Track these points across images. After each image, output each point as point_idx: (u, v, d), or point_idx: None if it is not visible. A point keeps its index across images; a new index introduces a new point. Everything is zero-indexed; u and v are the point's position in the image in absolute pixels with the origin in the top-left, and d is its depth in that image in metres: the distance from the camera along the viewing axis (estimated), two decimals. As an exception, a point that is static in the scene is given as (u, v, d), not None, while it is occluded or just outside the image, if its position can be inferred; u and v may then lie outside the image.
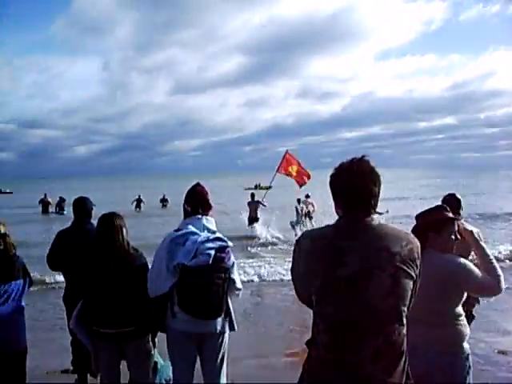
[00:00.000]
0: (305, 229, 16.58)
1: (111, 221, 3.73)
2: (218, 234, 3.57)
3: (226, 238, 3.56)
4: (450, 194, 4.72)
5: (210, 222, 3.64)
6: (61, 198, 29.05)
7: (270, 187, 33.42)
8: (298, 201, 19.57)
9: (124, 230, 3.73)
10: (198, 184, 3.80)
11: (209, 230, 3.58)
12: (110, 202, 33.55)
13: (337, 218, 2.31)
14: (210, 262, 3.35)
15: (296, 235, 15.98)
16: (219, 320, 3.47)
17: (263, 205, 18.75)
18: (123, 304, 3.59)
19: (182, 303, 3.36)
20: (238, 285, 3.67)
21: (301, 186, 17.97)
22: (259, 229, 18.13)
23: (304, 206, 19.53)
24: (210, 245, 3.40)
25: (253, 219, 18.46)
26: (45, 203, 30.32)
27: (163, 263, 3.42)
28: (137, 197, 31.11)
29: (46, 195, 31.12)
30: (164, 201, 33.08)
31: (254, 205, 18.59)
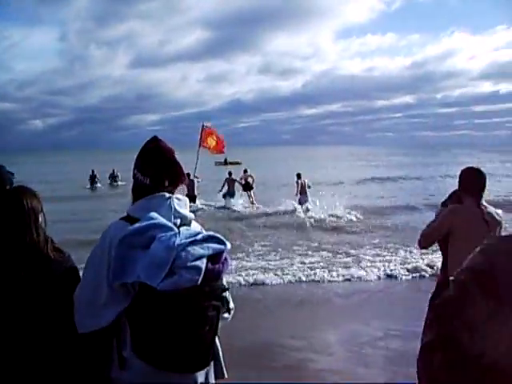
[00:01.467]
0: (240, 201, 18.84)
1: (19, 202, 2.04)
2: (207, 232, 2.03)
3: (221, 236, 2.03)
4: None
5: (182, 203, 2.07)
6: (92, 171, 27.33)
7: (239, 163, 39.74)
8: (229, 173, 19.48)
9: (40, 217, 2.08)
10: (157, 139, 2.15)
11: (183, 219, 2.04)
12: (62, 180, 31.71)
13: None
14: (199, 281, 1.84)
15: (227, 205, 18.27)
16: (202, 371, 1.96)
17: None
18: (34, 342, 1.93)
19: (140, 348, 1.85)
20: (231, 304, 2.12)
21: (222, 153, 19.02)
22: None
23: (243, 180, 19.71)
24: (199, 251, 1.88)
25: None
26: None
27: (102, 278, 1.90)
28: (90, 173, 26.79)
29: None
30: (114, 177, 27.22)
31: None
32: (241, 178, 19.73)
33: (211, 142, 18.09)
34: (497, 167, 41.08)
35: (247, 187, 19.63)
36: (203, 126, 18.08)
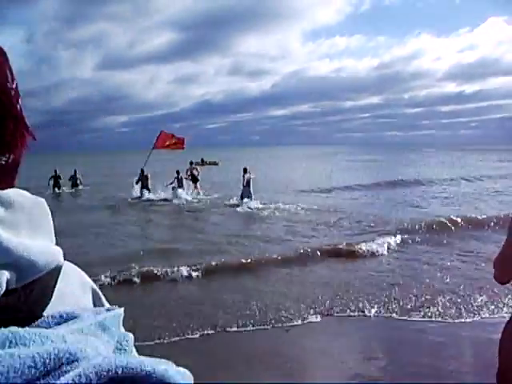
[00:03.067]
0: (190, 191, 20.27)
1: None
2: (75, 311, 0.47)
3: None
4: None
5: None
6: None
7: (216, 163, 44.11)
8: (178, 172, 20.43)
9: None
10: None
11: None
12: (23, 183, 29.38)
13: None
14: None
15: (178, 197, 19.45)
16: None
17: None
18: None
19: None
20: None
21: (183, 148, 20.66)
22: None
23: (189, 172, 20.93)
24: None
25: None
26: None
27: None
28: (53, 173, 24.29)
29: None
30: (75, 179, 25.01)
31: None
32: (187, 171, 21.06)
33: (170, 142, 20.59)
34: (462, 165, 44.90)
35: (194, 179, 20.95)
36: (161, 132, 20.67)
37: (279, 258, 9.66)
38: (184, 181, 20.50)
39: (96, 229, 13.64)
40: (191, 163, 21.65)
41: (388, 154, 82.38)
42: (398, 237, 11.46)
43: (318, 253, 10.10)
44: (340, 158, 72.46)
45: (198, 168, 21.61)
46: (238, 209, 17.04)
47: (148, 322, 6.21)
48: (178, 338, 5.90)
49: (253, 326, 6.34)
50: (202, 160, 50.36)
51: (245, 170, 18.44)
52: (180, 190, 19.91)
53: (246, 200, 17.71)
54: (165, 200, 19.56)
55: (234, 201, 18.37)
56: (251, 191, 18.07)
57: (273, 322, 6.48)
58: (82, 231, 13.43)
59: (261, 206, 17.25)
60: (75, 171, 25.39)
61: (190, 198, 19.74)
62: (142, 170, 20.43)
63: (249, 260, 9.41)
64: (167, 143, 20.63)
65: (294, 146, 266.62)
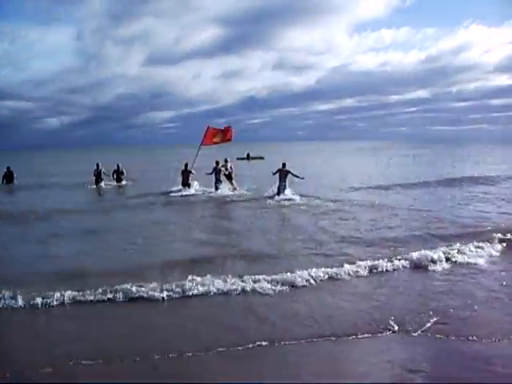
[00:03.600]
0: (227, 187, 19.98)
1: None
2: None
3: None
4: None
5: None
6: (8, 168, 25.75)
7: (262, 158, 45.76)
8: (217, 163, 20.14)
9: None
10: None
11: None
12: (67, 177, 31.92)
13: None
14: None
15: (216, 191, 19.54)
16: None
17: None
18: None
19: None
20: None
21: (230, 140, 20.88)
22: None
23: (223, 169, 20.34)
24: None
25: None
26: None
27: None
28: (95, 167, 23.75)
29: None
30: (118, 174, 24.50)
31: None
32: (222, 166, 20.40)
33: (216, 139, 20.75)
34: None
35: (229, 176, 20.74)
36: (208, 127, 20.69)
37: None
38: (221, 175, 20.35)
39: (135, 228, 12.76)
40: (226, 161, 21.02)
41: (436, 149, 78.51)
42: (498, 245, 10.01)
43: (403, 262, 8.78)
44: (388, 152, 69.35)
45: (232, 166, 21.21)
46: (274, 201, 17.12)
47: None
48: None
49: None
50: (248, 155, 51.31)
51: (283, 165, 18.37)
52: (220, 186, 19.90)
53: (281, 195, 17.76)
54: (203, 194, 19.61)
55: (270, 194, 18.20)
56: (287, 185, 18.14)
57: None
58: (117, 230, 12.69)
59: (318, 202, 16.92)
60: (118, 166, 24.80)
61: (230, 193, 19.64)
62: (186, 165, 20.41)
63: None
64: (214, 139, 20.76)
65: (338, 141, 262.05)
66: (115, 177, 24.44)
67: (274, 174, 18.41)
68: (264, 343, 5.45)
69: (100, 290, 7.08)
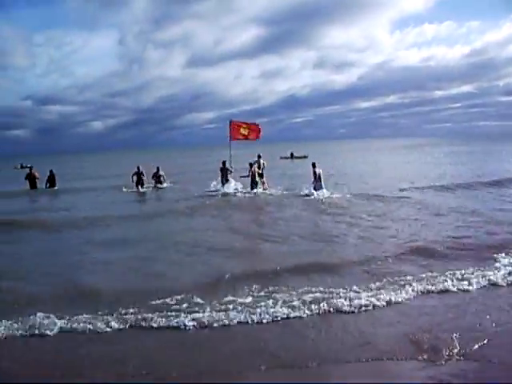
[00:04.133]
0: (260, 186, 19.79)
1: None
2: None
3: None
4: None
5: None
6: (51, 171, 25.68)
7: (306, 157, 46.61)
8: (250, 165, 20.07)
9: None
10: None
11: None
12: (106, 180, 32.11)
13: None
14: None
15: (255, 193, 19.23)
16: None
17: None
18: None
19: None
20: None
21: (258, 137, 20.87)
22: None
23: (256, 166, 20.03)
24: None
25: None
26: (31, 178, 25.12)
27: None
28: (136, 169, 23.33)
29: (31, 169, 26.11)
30: (158, 177, 23.84)
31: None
32: (254, 163, 20.19)
33: (244, 131, 20.59)
34: None
35: (260, 174, 20.34)
36: (230, 121, 20.62)
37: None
38: (256, 176, 20.10)
39: (177, 237, 11.90)
40: (259, 156, 20.64)
41: (484, 145, 73.90)
42: None
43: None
44: (434, 150, 66.61)
45: (264, 162, 20.79)
46: (311, 198, 17.23)
47: None
48: None
49: None
50: (292, 154, 52.19)
51: (313, 165, 18.57)
52: (254, 186, 19.84)
53: (318, 192, 17.83)
54: (241, 193, 19.40)
55: (305, 191, 18.35)
56: (323, 185, 18.23)
57: None
58: (153, 240, 11.70)
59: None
60: (158, 169, 24.05)
61: (263, 191, 19.68)
62: (224, 163, 20.46)
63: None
64: (241, 133, 20.72)
65: (381, 139, 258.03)
66: (155, 180, 23.81)
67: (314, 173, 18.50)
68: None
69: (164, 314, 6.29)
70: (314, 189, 18.12)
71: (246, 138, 21.00)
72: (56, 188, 24.94)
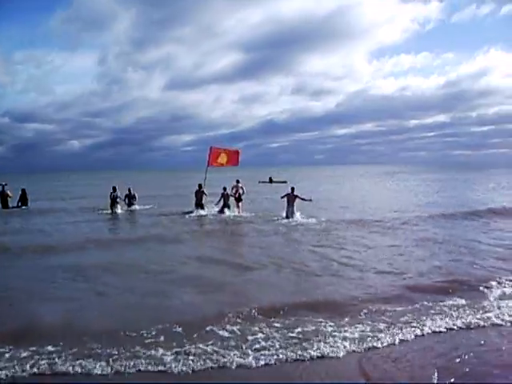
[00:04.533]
0: (235, 209, 20.45)
1: None
2: None
3: None
4: None
5: None
6: (23, 190, 25.37)
7: (285, 182, 46.76)
8: (224, 189, 20.47)
9: None
10: None
11: None
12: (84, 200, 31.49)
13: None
14: None
15: (228, 216, 19.61)
16: None
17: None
18: None
19: None
20: None
21: (237, 164, 21.62)
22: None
23: (234, 190, 20.91)
24: None
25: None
26: (3, 197, 24.38)
27: None
28: (111, 190, 22.36)
29: (3, 187, 24.79)
30: (130, 198, 23.18)
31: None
32: (232, 188, 21.00)
33: (223, 159, 21.21)
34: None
35: (239, 199, 20.85)
36: (210, 147, 21.31)
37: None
38: (229, 200, 20.66)
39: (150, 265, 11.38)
40: (238, 181, 21.27)
41: (457, 174, 73.86)
42: None
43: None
44: (410, 177, 67.79)
45: (244, 187, 21.36)
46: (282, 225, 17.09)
47: None
48: None
49: None
50: (271, 179, 52.24)
51: (292, 189, 18.76)
52: (228, 211, 20.26)
53: (290, 219, 18.05)
54: (215, 216, 19.85)
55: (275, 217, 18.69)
56: (294, 210, 18.37)
57: None
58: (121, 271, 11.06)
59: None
60: (129, 190, 23.47)
61: (236, 214, 20.09)
62: (200, 186, 20.62)
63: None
64: (219, 161, 21.30)
65: (358, 165, 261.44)
66: (127, 201, 23.15)
67: (282, 197, 18.86)
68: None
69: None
70: (287, 213, 18.40)
71: (222, 165, 21.55)
72: (27, 207, 24.58)
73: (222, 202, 20.52)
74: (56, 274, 10.27)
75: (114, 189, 22.36)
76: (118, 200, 22.38)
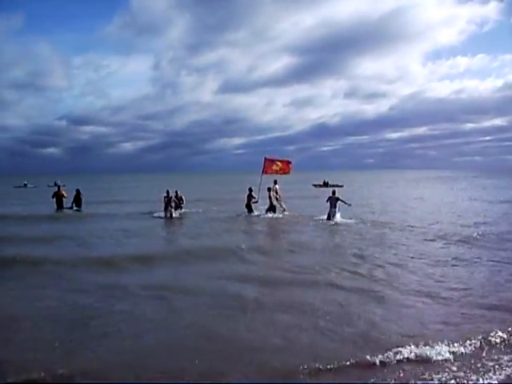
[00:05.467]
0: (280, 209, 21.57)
1: None
2: None
3: None
4: None
5: None
6: (77, 191, 25.31)
7: (341, 186, 46.36)
8: (269, 189, 21.34)
9: None
10: None
11: None
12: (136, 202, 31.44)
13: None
14: None
15: (272, 216, 20.75)
16: None
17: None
18: None
19: None
20: None
21: (288, 172, 22.82)
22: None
23: (273, 193, 21.48)
24: None
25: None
26: (58, 197, 24.73)
27: None
28: (165, 194, 21.85)
29: (59, 187, 25.87)
30: (178, 200, 22.87)
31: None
32: (269, 190, 21.41)
33: (276, 167, 22.65)
34: None
35: (277, 199, 21.56)
36: (265, 158, 22.70)
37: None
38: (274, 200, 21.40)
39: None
40: (275, 182, 21.80)
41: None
42: None
43: None
44: (467, 183, 64.95)
45: (276, 187, 21.69)
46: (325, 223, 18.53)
47: None
48: None
49: None
50: (326, 182, 51.83)
51: (333, 192, 19.61)
52: (273, 213, 21.07)
53: (332, 220, 18.91)
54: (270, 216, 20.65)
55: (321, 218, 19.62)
56: (336, 211, 19.14)
57: None
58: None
59: None
60: (176, 192, 23.10)
61: (280, 215, 21.10)
62: (250, 189, 21.94)
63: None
64: (274, 168, 22.57)
65: (410, 170, 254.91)
66: (173, 204, 21.91)
67: (327, 201, 19.65)
68: None
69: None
70: (329, 215, 19.19)
71: (277, 172, 22.70)
72: (80, 208, 24.54)
73: (268, 203, 21.45)
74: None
75: (168, 192, 21.80)
76: (172, 204, 21.54)
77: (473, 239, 14.66)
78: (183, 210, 22.97)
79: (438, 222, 18.83)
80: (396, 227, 17.40)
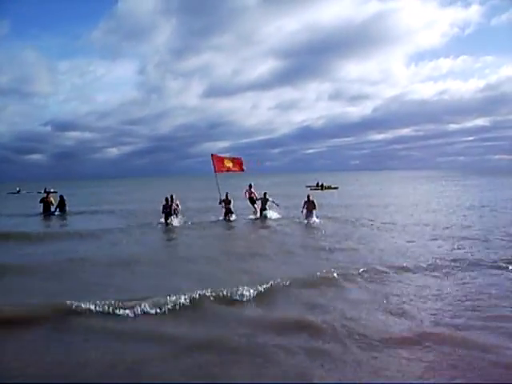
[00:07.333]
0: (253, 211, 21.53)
1: None
2: None
3: None
4: None
5: None
6: (61, 197, 26.25)
7: (336, 187, 46.95)
8: (250, 192, 21.92)
9: None
10: None
11: None
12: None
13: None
14: None
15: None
16: None
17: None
18: None
19: None
20: None
21: (243, 171, 21.69)
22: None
23: (247, 194, 21.87)
24: None
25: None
26: (46, 202, 25.71)
27: None
28: (165, 201, 20.06)
29: (48, 193, 27.16)
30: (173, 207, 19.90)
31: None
32: (245, 192, 21.92)
33: (228, 163, 21.44)
34: None
35: (252, 201, 21.87)
36: (212, 156, 21.28)
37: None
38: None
39: None
40: (250, 186, 21.93)
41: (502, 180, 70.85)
42: None
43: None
44: (449, 183, 66.01)
45: (252, 190, 21.93)
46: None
47: None
48: None
49: None
50: (320, 184, 50.22)
51: (308, 197, 19.82)
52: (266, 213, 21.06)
53: (310, 220, 19.16)
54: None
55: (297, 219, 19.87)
56: (313, 214, 19.40)
57: None
58: None
59: None
60: (172, 197, 20.05)
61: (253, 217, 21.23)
62: (227, 194, 20.82)
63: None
64: (225, 165, 21.46)
65: (394, 171, 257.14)
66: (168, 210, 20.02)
67: (303, 206, 19.89)
68: None
69: None
70: (306, 217, 19.41)
71: (229, 170, 21.68)
72: (64, 214, 25.00)
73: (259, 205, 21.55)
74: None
75: (167, 199, 20.05)
76: (174, 212, 19.81)
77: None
78: (179, 218, 19.99)
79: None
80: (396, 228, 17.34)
